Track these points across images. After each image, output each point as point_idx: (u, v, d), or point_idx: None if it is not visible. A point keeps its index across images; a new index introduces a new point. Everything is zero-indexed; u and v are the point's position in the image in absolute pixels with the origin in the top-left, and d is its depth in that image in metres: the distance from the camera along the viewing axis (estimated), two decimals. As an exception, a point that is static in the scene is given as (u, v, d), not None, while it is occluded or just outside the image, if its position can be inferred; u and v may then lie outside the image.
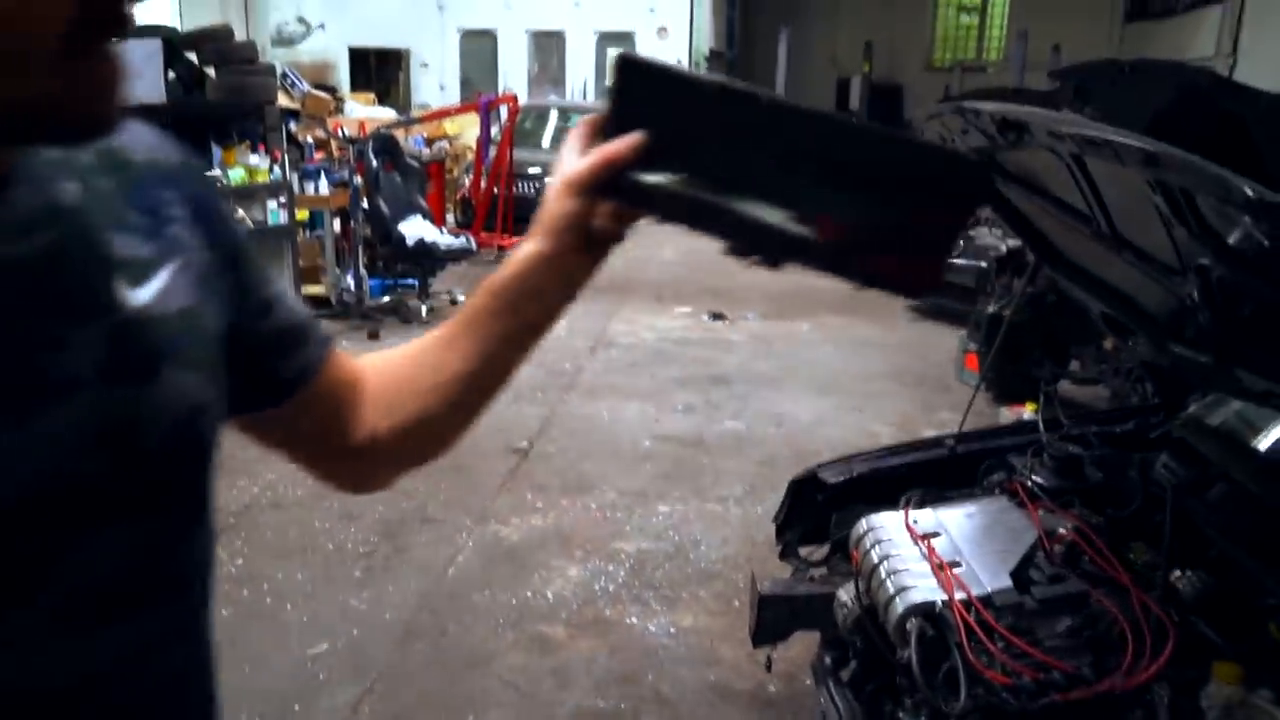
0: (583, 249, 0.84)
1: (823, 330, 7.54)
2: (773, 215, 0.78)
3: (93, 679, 0.64)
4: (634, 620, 3.47)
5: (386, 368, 0.93)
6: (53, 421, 0.60)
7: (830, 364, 6.68)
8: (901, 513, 2.13)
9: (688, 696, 3.06)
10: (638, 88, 0.81)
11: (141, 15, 13.07)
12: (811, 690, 2.48)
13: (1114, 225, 1.74)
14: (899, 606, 1.86)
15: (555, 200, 0.83)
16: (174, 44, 11.72)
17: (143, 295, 0.66)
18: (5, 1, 0.50)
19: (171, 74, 11.46)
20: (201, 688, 0.75)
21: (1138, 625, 1.71)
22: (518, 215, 9.80)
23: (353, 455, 0.91)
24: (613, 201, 0.82)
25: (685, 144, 0.80)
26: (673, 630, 3.41)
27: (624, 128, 0.79)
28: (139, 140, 0.72)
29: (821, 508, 2.48)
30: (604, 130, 0.81)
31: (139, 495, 0.66)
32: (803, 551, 2.55)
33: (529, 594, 3.62)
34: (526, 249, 0.85)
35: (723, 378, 6.27)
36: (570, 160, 0.82)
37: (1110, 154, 1.33)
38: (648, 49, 15.40)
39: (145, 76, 10.73)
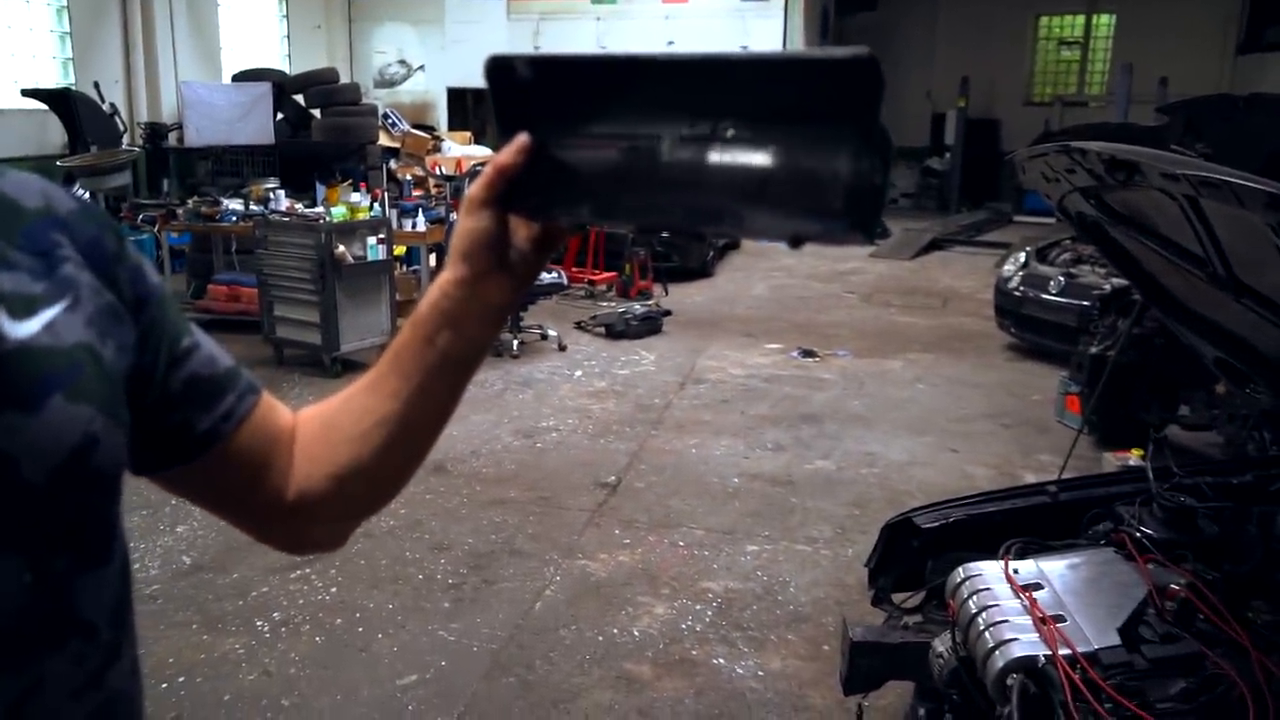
0: (496, 270, 0.80)
1: (916, 368, 7.39)
2: (672, 197, 0.71)
3: None
4: (721, 661, 3.42)
5: (317, 416, 0.88)
6: None
7: (924, 403, 6.54)
8: (1001, 562, 2.05)
9: (775, 743, 2.99)
10: (514, 88, 0.76)
11: (253, 60, 13.59)
12: (905, 743, 2.40)
13: (1231, 268, 1.67)
14: (999, 661, 1.79)
15: (460, 222, 0.80)
16: (283, 87, 12.26)
17: (28, 328, 0.64)
18: None
19: (280, 115, 11.98)
20: None
21: (1259, 690, 1.62)
22: (608, 250, 9.89)
23: (287, 512, 0.86)
24: (521, 217, 0.78)
25: (575, 133, 0.74)
26: (761, 673, 3.35)
27: (511, 132, 0.75)
28: (30, 189, 0.72)
29: (916, 553, 2.42)
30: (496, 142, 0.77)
31: (28, 531, 0.63)
32: (896, 598, 2.48)
33: (615, 631, 3.61)
34: (440, 276, 0.82)
35: (813, 416, 6.19)
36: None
37: (1229, 196, 1.27)
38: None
39: (255, 118, 11.25)
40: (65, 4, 10.95)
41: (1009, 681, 1.74)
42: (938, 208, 17.55)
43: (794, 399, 6.57)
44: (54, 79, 11.06)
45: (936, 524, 2.40)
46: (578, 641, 3.53)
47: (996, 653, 1.80)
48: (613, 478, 5.07)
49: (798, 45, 15.45)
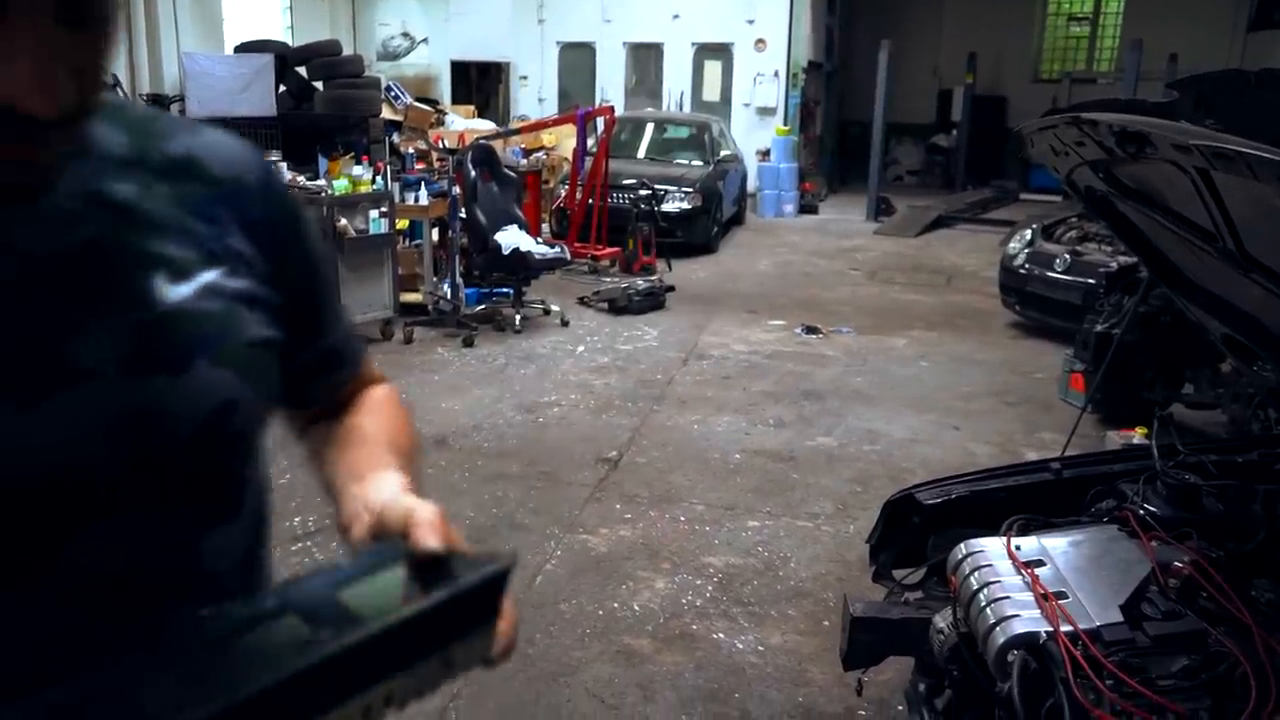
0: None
1: (919, 345, 7.37)
2: None
3: None
4: (721, 636, 3.42)
5: (340, 418, 0.90)
6: (64, 407, 0.60)
7: (927, 380, 6.53)
8: (1003, 538, 2.04)
9: (775, 717, 3.00)
10: None
11: (255, 31, 13.50)
12: (904, 717, 2.40)
13: (1241, 243, 1.64)
14: (1000, 637, 1.78)
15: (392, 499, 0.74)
16: (285, 59, 12.16)
17: (181, 291, 0.66)
18: None
19: (282, 87, 11.89)
20: None
21: (1261, 668, 1.61)
22: (611, 225, 9.85)
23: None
24: None
25: None
26: (761, 648, 3.35)
27: None
28: (224, 153, 0.73)
29: (917, 530, 2.41)
30: None
31: (160, 487, 0.65)
32: (897, 574, 2.48)
33: (615, 605, 3.61)
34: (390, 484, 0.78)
35: (815, 392, 6.18)
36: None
37: (1243, 168, 1.25)
38: (745, 61, 15.33)
39: (257, 90, 11.17)
40: (66, -27, 10.87)
41: (1010, 658, 1.74)
42: (943, 185, 17.47)
43: (797, 375, 6.55)
44: (55, 49, 10.98)
45: (938, 500, 2.39)
46: (578, 615, 3.54)
47: (998, 629, 1.80)
48: (614, 453, 5.06)
49: (803, 27, 15.30)
